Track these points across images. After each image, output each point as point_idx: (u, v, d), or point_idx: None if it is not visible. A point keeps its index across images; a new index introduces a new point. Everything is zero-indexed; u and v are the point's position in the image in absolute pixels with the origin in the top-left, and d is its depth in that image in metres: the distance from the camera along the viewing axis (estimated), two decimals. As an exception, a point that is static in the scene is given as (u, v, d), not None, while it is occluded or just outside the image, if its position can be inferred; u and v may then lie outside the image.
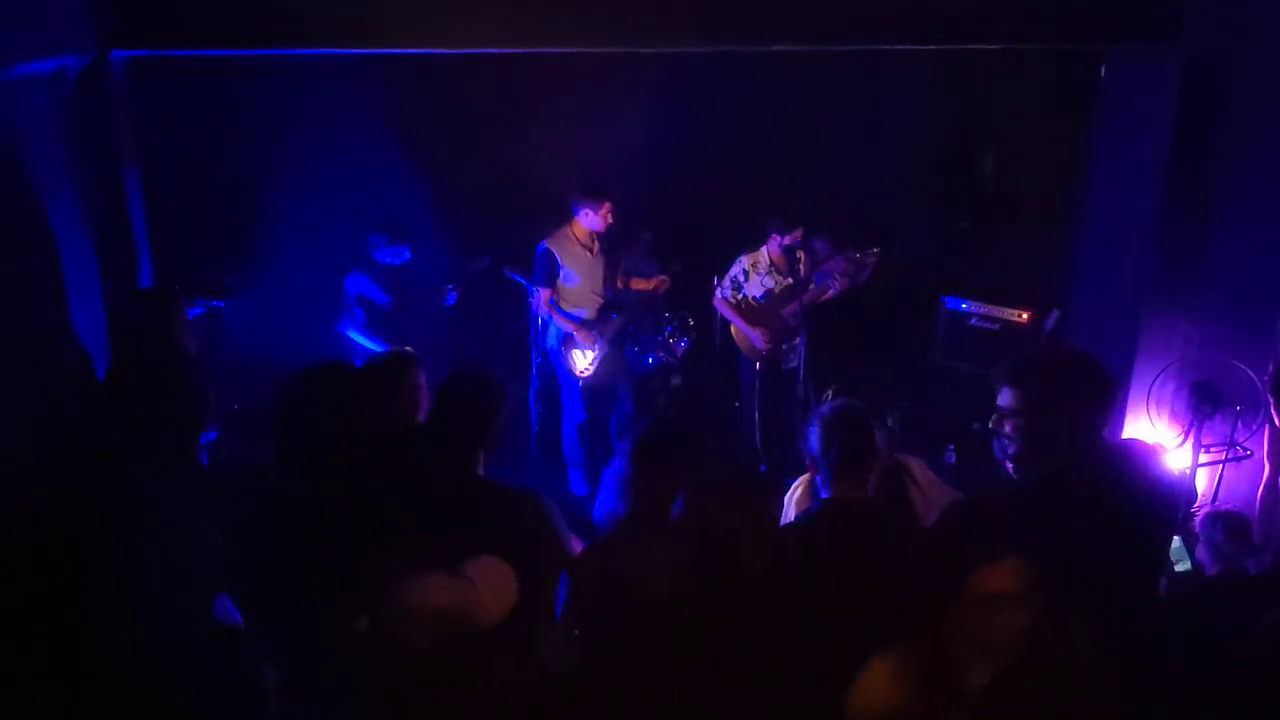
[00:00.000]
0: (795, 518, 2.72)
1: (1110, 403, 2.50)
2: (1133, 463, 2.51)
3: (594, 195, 5.22)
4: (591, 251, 5.39)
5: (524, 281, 5.58)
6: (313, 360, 2.65)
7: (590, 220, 5.26)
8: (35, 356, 2.93)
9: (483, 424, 2.77)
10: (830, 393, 3.82)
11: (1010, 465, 2.50)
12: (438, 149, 6.13)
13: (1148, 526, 2.52)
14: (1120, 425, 5.25)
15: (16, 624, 2.41)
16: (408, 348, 5.07)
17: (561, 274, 5.36)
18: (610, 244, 5.52)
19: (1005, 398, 2.47)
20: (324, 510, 2.50)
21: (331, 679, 2.19)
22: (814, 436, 2.59)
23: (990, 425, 2.52)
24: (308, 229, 5.41)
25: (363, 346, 5.25)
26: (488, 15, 3.97)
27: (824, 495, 2.54)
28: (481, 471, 2.79)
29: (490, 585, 2.11)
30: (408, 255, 5.37)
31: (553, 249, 5.32)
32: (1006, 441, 2.48)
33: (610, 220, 5.29)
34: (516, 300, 5.69)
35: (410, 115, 6.03)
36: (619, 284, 5.64)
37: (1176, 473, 4.65)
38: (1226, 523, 3.74)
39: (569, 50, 4.43)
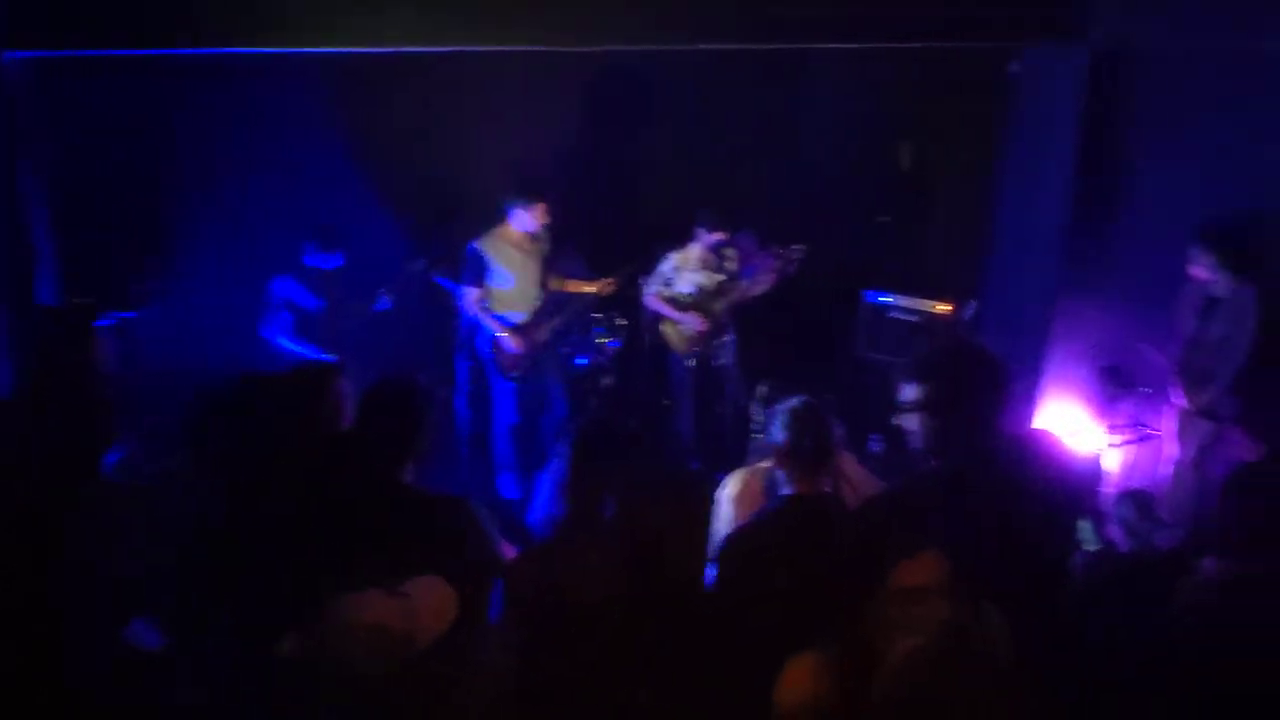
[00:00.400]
0: (755, 514, 2.72)
1: (1008, 396, 2.58)
2: (1037, 450, 2.60)
3: (528, 196, 5.16)
4: (526, 253, 5.34)
5: (450, 285, 5.50)
6: (230, 372, 2.57)
7: (524, 221, 5.21)
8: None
9: (409, 431, 2.73)
10: (764, 389, 3.85)
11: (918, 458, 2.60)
12: (368, 151, 6.02)
13: (1055, 511, 2.61)
14: (1029, 414, 5.42)
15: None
16: (333, 355, 5.01)
17: (494, 276, 5.29)
18: (547, 245, 5.46)
19: (908, 393, 2.55)
20: (245, 525, 2.43)
21: (256, 701, 2.12)
22: (779, 430, 2.64)
23: (895, 420, 2.60)
24: (224, 234, 5.26)
25: (289, 352, 5.13)
26: (410, 14, 3.90)
27: (784, 491, 2.59)
28: (409, 479, 2.75)
29: (430, 604, 2.08)
30: (340, 261, 5.26)
31: (483, 250, 5.25)
32: (912, 436, 2.57)
33: (546, 221, 5.23)
34: (447, 304, 5.61)
35: (337, 116, 5.90)
36: (555, 285, 5.60)
37: (1082, 457, 4.81)
38: (1136, 500, 3.90)
39: (497, 49, 4.39)
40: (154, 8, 3.59)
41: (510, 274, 5.29)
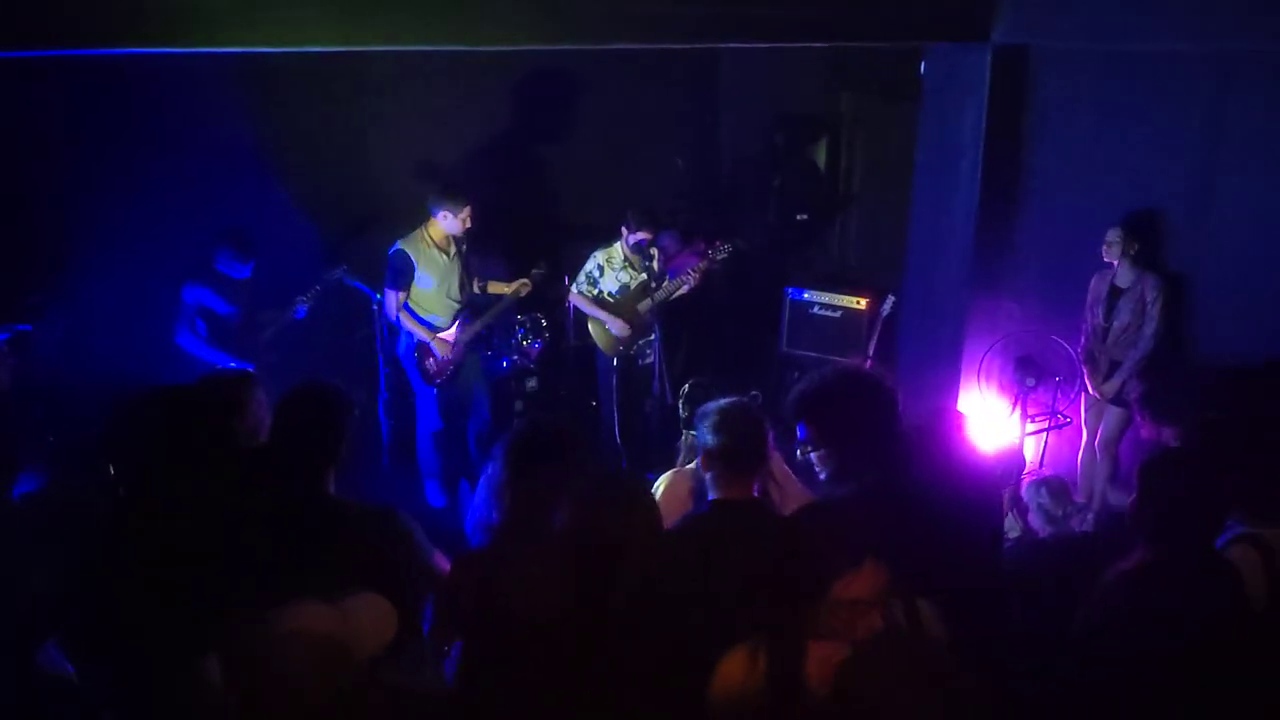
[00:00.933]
0: (682, 518, 2.64)
1: (891, 405, 2.65)
2: (948, 448, 2.65)
3: (453, 198, 5.08)
4: (448, 255, 5.25)
5: (367, 289, 5.37)
6: (139, 383, 2.45)
7: (449, 223, 5.11)
8: None
9: (329, 440, 2.64)
10: (688, 387, 3.83)
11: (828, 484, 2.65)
12: (283, 154, 5.84)
13: (975, 503, 2.68)
14: (952, 399, 5.56)
15: None
16: (248, 363, 4.85)
17: (418, 278, 5.19)
18: (468, 247, 5.38)
19: (801, 432, 2.62)
20: (161, 542, 2.32)
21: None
22: (709, 432, 2.51)
23: (799, 455, 2.67)
24: (127, 239, 5.03)
25: (203, 360, 4.94)
26: (328, 13, 3.79)
27: (711, 496, 2.50)
28: (332, 490, 2.66)
29: (369, 617, 1.98)
30: (250, 270, 5.08)
31: (407, 251, 5.15)
32: (819, 468, 2.63)
33: (469, 224, 5.16)
34: (362, 309, 5.48)
35: (250, 119, 5.71)
36: (476, 288, 5.52)
37: (1003, 446, 4.95)
38: (1049, 487, 4.00)
39: (414, 49, 4.30)
40: (47, 7, 3.40)
41: (433, 276, 5.20)
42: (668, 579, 2.09)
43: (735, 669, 1.96)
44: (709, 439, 2.49)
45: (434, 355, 5.31)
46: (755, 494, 2.50)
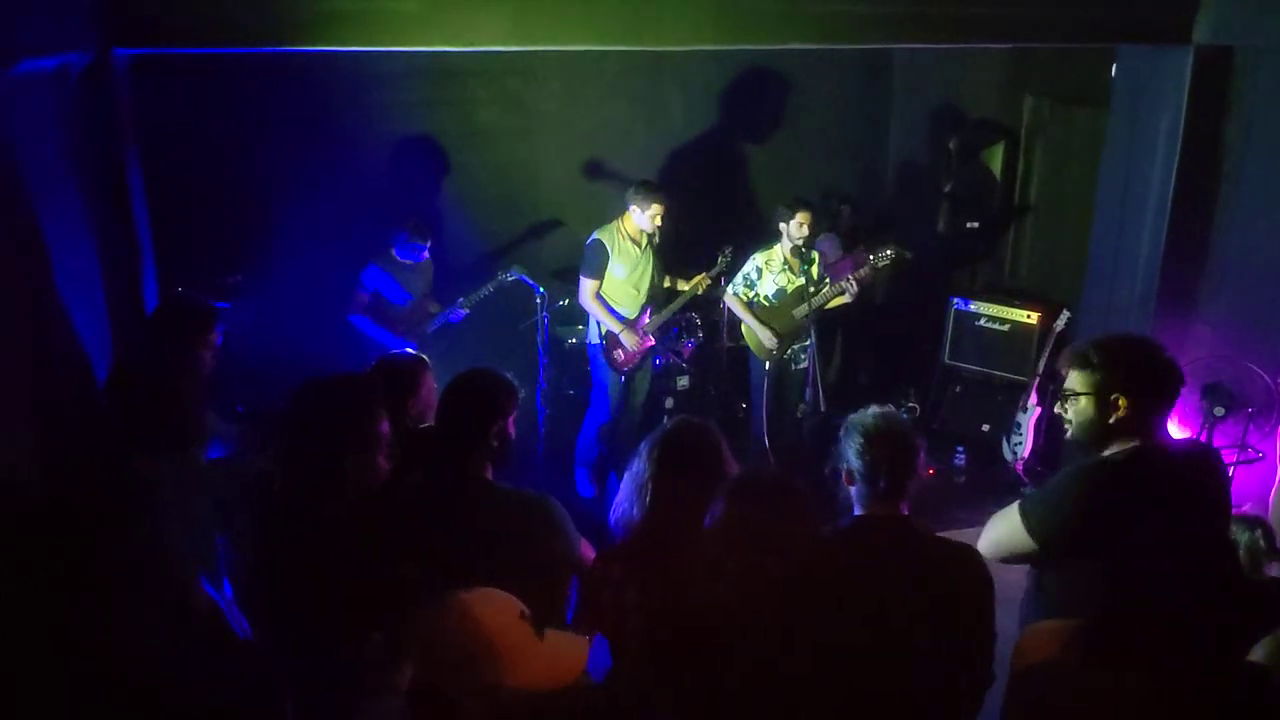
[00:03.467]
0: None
1: (1173, 391, 2.54)
2: (1202, 463, 2.55)
3: (646, 193, 5.20)
4: (640, 247, 5.37)
5: (533, 284, 5.55)
6: (323, 371, 2.59)
7: (640, 218, 5.24)
8: (38, 359, 2.89)
9: (491, 426, 2.72)
10: (817, 400, 3.63)
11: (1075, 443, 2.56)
12: (458, 150, 6.12)
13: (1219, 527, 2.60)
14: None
15: (19, 627, 2.37)
16: (415, 349, 5.09)
17: (612, 269, 5.33)
18: (660, 242, 5.49)
19: (1074, 380, 2.52)
20: (339, 520, 2.46)
21: (344, 692, 2.13)
22: (851, 452, 2.35)
23: (1055, 407, 2.58)
24: (312, 226, 5.37)
25: (374, 340, 5.24)
26: (508, 15, 3.93)
27: (856, 511, 2.39)
28: (490, 474, 2.75)
29: (559, 659, 1.86)
30: (425, 254, 5.35)
31: (603, 240, 5.30)
32: (1067, 425, 2.54)
33: (659, 222, 5.26)
34: (528, 301, 5.65)
35: (428, 116, 6.00)
36: (665, 283, 5.63)
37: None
38: (1260, 527, 3.69)
39: (590, 49, 4.40)
40: (253, 8, 3.68)
41: (625, 267, 5.34)
42: (815, 588, 2.05)
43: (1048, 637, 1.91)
44: (852, 459, 2.35)
45: (623, 346, 5.44)
46: (905, 512, 2.38)
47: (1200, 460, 2.60)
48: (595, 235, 5.33)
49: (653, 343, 5.56)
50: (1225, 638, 1.94)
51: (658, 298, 5.60)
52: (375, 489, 2.57)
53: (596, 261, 5.30)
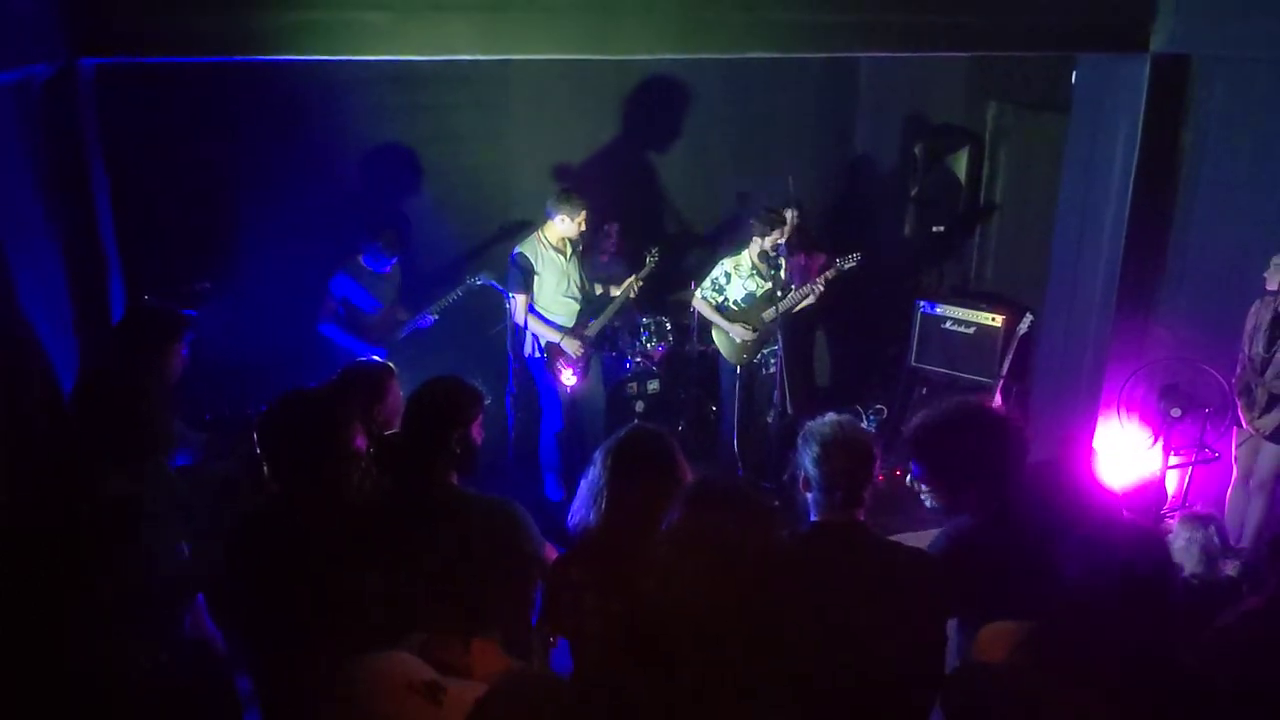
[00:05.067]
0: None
1: (1009, 443, 2.55)
2: (1064, 489, 2.56)
3: (570, 202, 5.24)
4: (565, 255, 5.39)
5: (501, 289, 5.56)
6: (294, 381, 2.62)
7: (565, 226, 5.28)
8: (2, 372, 2.90)
9: (455, 432, 2.75)
10: (784, 403, 3.68)
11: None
12: (427, 157, 6.13)
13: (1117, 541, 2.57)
14: (1090, 427, 5.31)
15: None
16: (382, 353, 5.10)
17: (538, 280, 5.36)
18: (584, 247, 5.53)
19: (914, 468, 2.58)
20: (306, 526, 2.48)
21: (309, 696, 2.15)
22: (809, 460, 2.41)
23: (915, 491, 2.62)
24: (281, 233, 5.37)
25: (342, 348, 5.25)
26: (468, 24, 3.96)
27: (813, 517, 2.45)
28: (455, 480, 2.78)
29: (464, 705, 1.84)
30: (391, 265, 5.37)
31: (526, 253, 5.32)
32: (928, 501, 2.60)
33: (584, 228, 5.31)
34: (498, 307, 5.67)
35: (398, 123, 6.01)
36: (598, 290, 5.66)
37: (1131, 477, 4.72)
38: (1212, 524, 3.77)
39: (546, 58, 4.44)
40: (222, 18, 3.68)
41: (551, 277, 5.35)
42: (770, 592, 2.09)
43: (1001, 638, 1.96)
44: (809, 466, 2.40)
45: (565, 355, 5.46)
46: (860, 518, 2.44)
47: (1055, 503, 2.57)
48: (516, 249, 5.34)
49: (590, 348, 5.57)
50: (1162, 641, 2.00)
51: (597, 305, 5.64)
52: (349, 499, 2.60)
53: (521, 276, 5.31)
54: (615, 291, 5.74)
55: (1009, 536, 2.44)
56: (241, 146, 5.52)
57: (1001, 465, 2.50)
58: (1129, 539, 2.10)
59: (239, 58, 3.80)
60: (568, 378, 5.52)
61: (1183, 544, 3.70)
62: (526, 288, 5.34)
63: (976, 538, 2.52)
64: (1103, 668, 1.89)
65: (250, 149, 5.52)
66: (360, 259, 5.32)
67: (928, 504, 2.62)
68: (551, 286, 5.39)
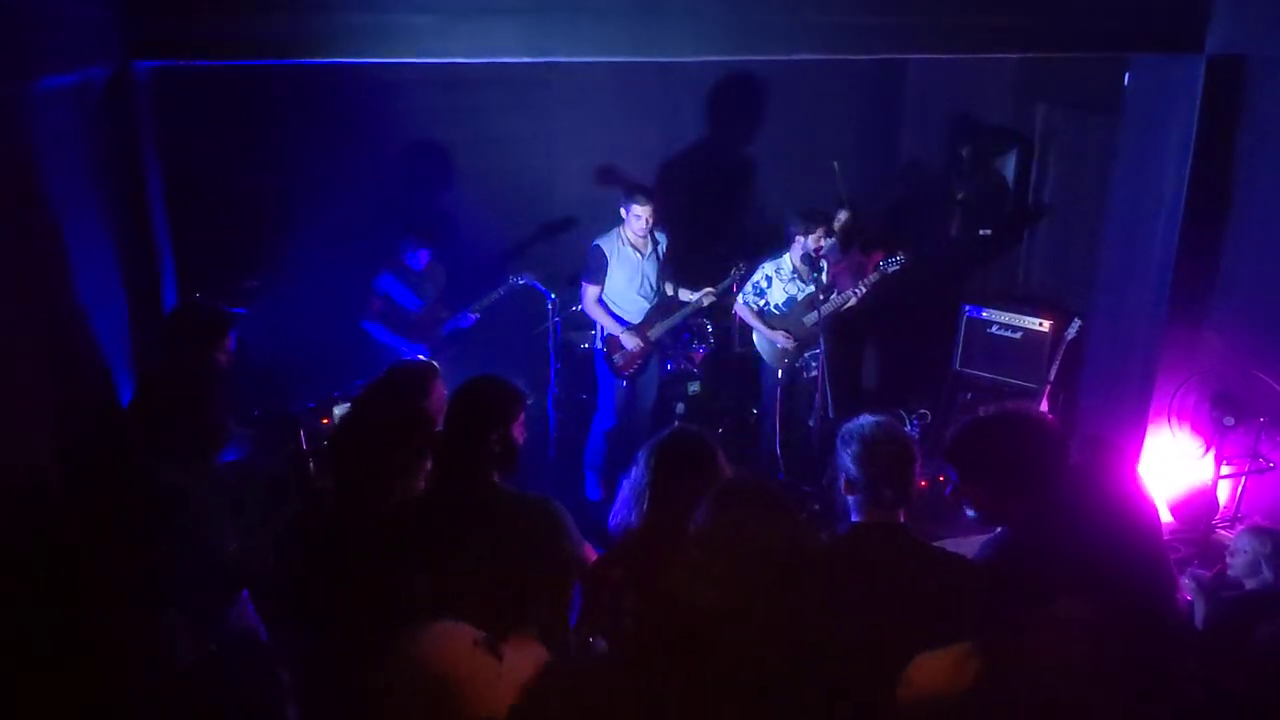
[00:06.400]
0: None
1: (1049, 450, 2.50)
2: (1106, 491, 2.52)
3: (635, 195, 5.28)
4: (643, 254, 5.42)
5: (543, 289, 5.61)
6: (347, 382, 2.68)
7: (631, 220, 5.30)
8: (59, 367, 2.97)
9: (497, 431, 2.77)
10: (826, 407, 3.64)
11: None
12: (473, 158, 6.19)
13: (1144, 543, 2.53)
14: (1139, 436, 5.20)
15: (38, 627, 2.44)
16: (427, 352, 5.17)
17: (612, 274, 5.40)
18: (666, 250, 5.55)
19: (951, 474, 2.53)
20: (353, 525, 2.52)
21: (350, 690, 2.19)
22: (850, 461, 2.41)
23: (950, 499, 2.57)
24: (328, 232, 5.46)
25: (385, 345, 5.32)
26: (514, 27, 3.99)
27: (854, 518, 2.44)
28: (496, 478, 2.80)
29: (518, 671, 1.91)
30: (427, 258, 5.44)
31: (603, 247, 5.37)
32: (973, 512, 2.53)
33: (650, 223, 5.31)
34: (539, 307, 5.71)
35: (444, 124, 6.08)
36: (669, 291, 5.67)
37: (1181, 486, 4.60)
38: (1271, 537, 3.68)
39: (595, 60, 4.45)
40: (271, 22, 3.75)
41: (624, 273, 5.40)
42: (804, 593, 2.09)
43: (943, 666, 1.94)
44: (850, 468, 2.40)
45: (623, 348, 5.49)
46: (901, 520, 2.42)
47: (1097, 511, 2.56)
48: (596, 242, 5.42)
49: (651, 348, 5.59)
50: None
51: (664, 305, 5.65)
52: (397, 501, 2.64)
53: (596, 266, 5.38)
54: (689, 297, 5.70)
55: (1045, 548, 2.40)
56: (290, 148, 5.62)
57: (1041, 472, 2.45)
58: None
59: (289, 60, 3.87)
60: (623, 370, 5.54)
61: (1244, 555, 3.61)
62: (597, 279, 5.40)
63: (1012, 552, 2.48)
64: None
65: (299, 150, 5.61)
66: (403, 258, 5.40)
67: (969, 513, 2.59)
68: (623, 282, 5.44)
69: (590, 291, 5.44)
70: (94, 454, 2.95)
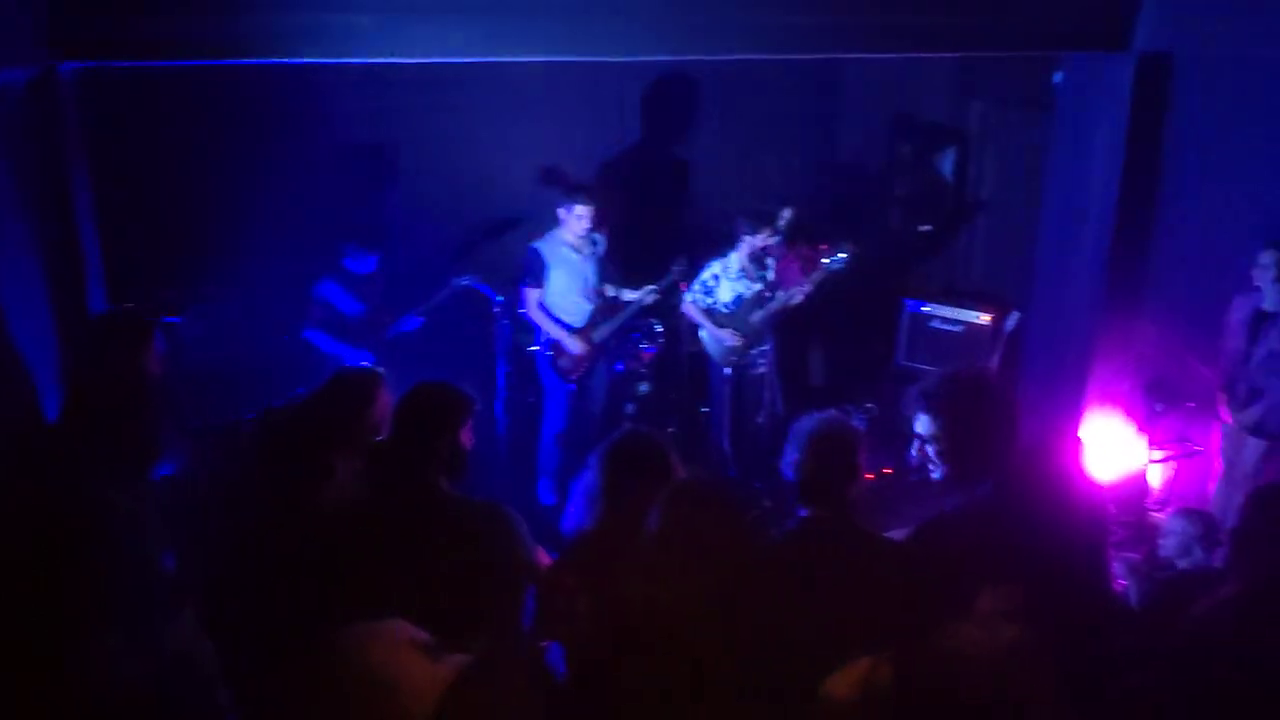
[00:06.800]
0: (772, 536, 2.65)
1: (1016, 414, 2.57)
2: (1057, 466, 2.58)
3: (574, 196, 5.24)
4: (580, 255, 5.38)
5: (489, 291, 5.55)
6: (284, 394, 2.60)
7: (571, 222, 5.25)
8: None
9: (446, 437, 2.74)
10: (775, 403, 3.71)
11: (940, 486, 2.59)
12: (414, 159, 6.11)
13: (1086, 529, 2.59)
14: (1076, 422, 5.33)
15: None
16: (369, 357, 5.09)
17: (551, 277, 5.35)
18: (605, 251, 5.51)
19: (923, 425, 2.56)
20: (292, 532, 2.47)
21: (290, 702, 2.14)
22: (795, 455, 2.46)
23: (914, 453, 2.60)
24: (265, 238, 5.34)
25: (328, 354, 5.23)
26: (450, 27, 3.94)
27: (801, 512, 2.48)
28: (445, 484, 2.76)
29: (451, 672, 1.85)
30: (373, 264, 5.35)
31: (540, 250, 5.31)
32: (932, 466, 2.57)
33: (589, 224, 5.28)
34: (485, 310, 5.65)
35: (384, 125, 5.99)
36: (610, 292, 5.64)
37: (1116, 470, 4.74)
38: (1201, 519, 3.80)
39: (534, 59, 4.42)
40: (204, 22, 3.66)
41: (564, 275, 5.35)
42: (754, 590, 2.10)
43: (858, 672, 1.96)
44: (799, 464, 2.44)
45: (568, 352, 5.45)
46: (849, 513, 2.45)
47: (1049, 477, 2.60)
48: (533, 244, 5.35)
49: (597, 350, 5.56)
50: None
51: (607, 306, 5.62)
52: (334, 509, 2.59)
53: (535, 270, 5.32)
54: (630, 296, 5.67)
55: (1001, 520, 2.44)
56: (227, 151, 5.49)
57: (1009, 433, 2.52)
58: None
59: (223, 61, 3.78)
60: (569, 374, 5.50)
61: (1176, 537, 3.73)
62: (536, 283, 5.34)
63: (969, 521, 2.51)
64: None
65: (236, 154, 5.49)
66: (343, 263, 5.30)
67: (934, 474, 2.60)
68: (564, 284, 5.38)
69: (531, 295, 5.37)
70: (19, 470, 2.84)
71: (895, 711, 1.83)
